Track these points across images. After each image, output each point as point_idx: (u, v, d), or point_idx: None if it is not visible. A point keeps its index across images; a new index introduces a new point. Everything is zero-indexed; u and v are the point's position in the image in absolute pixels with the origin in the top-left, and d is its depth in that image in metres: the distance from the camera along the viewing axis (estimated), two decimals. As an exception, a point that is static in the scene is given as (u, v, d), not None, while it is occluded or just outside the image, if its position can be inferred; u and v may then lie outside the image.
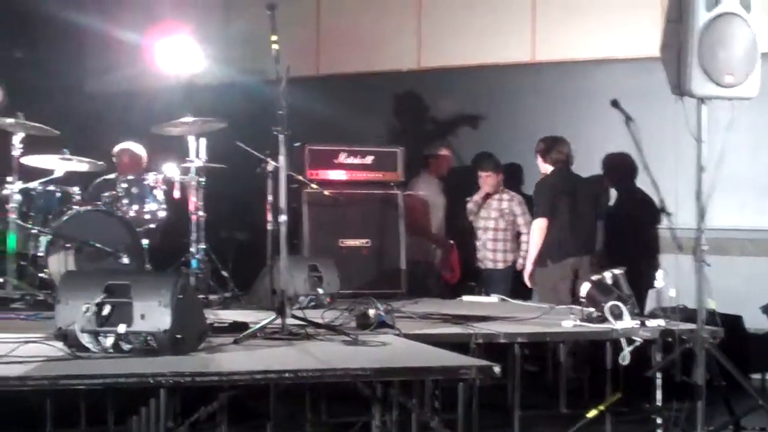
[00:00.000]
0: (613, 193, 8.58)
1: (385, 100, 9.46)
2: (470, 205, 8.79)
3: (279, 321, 5.44)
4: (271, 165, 7.21)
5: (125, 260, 7.22)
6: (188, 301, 4.89)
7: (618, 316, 6.01)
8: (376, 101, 9.40)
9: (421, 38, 9.43)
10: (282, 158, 5.70)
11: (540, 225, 7.87)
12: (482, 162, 8.82)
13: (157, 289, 4.75)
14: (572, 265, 7.80)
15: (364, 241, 8.09)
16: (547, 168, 8.02)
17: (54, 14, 9.72)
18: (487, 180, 8.71)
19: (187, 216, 7.57)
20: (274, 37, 5.73)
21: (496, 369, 4.54)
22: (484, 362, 4.66)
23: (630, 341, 5.89)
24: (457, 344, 5.46)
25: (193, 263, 7.43)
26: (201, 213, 7.54)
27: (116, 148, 8.33)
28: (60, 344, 4.88)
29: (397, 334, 5.56)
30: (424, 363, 4.76)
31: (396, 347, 5.21)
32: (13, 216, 7.21)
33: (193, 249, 7.45)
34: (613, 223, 8.18)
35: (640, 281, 7.02)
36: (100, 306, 4.75)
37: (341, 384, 4.55)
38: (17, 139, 7.28)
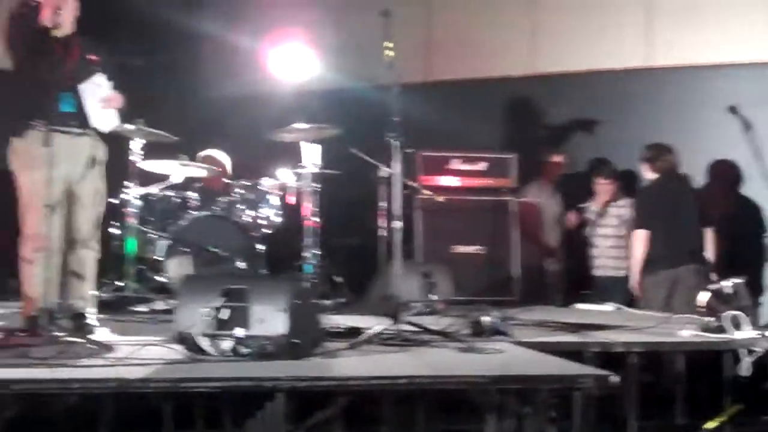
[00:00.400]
0: (724, 201, 8.39)
1: (498, 106, 9.42)
2: (589, 213, 8.68)
3: (393, 327, 5.46)
4: (384, 171, 7.26)
5: (241, 265, 7.33)
6: (305, 306, 4.95)
7: (738, 325, 5.89)
8: (488, 107, 9.36)
9: (535, 43, 9.36)
10: (396, 164, 5.72)
11: (640, 236, 7.73)
12: (599, 169, 8.70)
13: (274, 294, 4.82)
14: (672, 275, 7.63)
15: (476, 247, 8.07)
16: (652, 176, 7.88)
17: (171, 21, 9.92)
18: (605, 187, 8.59)
19: (301, 221, 7.64)
20: (387, 44, 5.77)
21: (614, 378, 4.48)
22: (601, 371, 4.60)
23: (750, 352, 5.75)
24: (572, 353, 5.40)
25: (307, 268, 7.50)
26: (315, 219, 7.61)
27: (200, 155, 8.44)
28: (179, 347, 4.98)
29: (512, 342, 5.53)
30: (540, 371, 4.73)
31: (510, 355, 5.19)
32: (132, 221, 7.39)
33: (307, 254, 7.52)
34: (723, 231, 7.99)
35: (752, 291, 6.86)
36: (218, 310, 4.84)
37: (455, 391, 4.55)
38: (137, 145, 7.46)
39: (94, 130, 5.95)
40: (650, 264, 7.67)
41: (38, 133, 5.53)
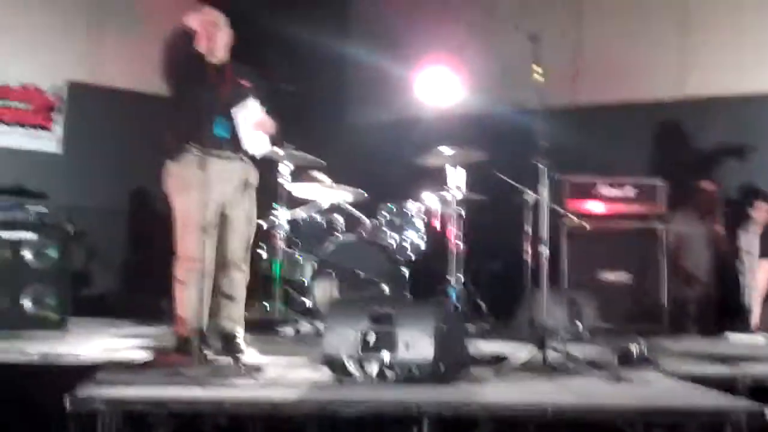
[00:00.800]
0: None
1: (647, 131, 9.26)
2: (743, 240, 8.45)
3: (539, 354, 5.43)
4: (529, 196, 7.24)
5: (386, 289, 7.39)
6: (451, 331, 4.97)
7: None
8: (637, 131, 9.22)
9: (685, 66, 9.19)
10: (544, 189, 5.70)
11: (764, 266, 7.52)
12: (757, 194, 8.46)
13: (421, 319, 4.86)
14: None
15: (624, 274, 7.95)
16: None
17: (319, 48, 10.10)
18: (763, 214, 8.36)
19: (446, 245, 7.66)
20: (536, 68, 5.75)
21: (769, 413, 4.37)
22: (755, 405, 4.48)
23: None
24: (722, 385, 5.26)
25: (452, 293, 7.51)
26: (459, 243, 7.62)
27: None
28: (326, 369, 5.06)
29: (660, 372, 5.44)
30: (690, 403, 4.63)
31: (659, 385, 5.10)
32: (280, 243, 7.54)
33: (451, 279, 7.54)
34: None
35: None
36: (365, 334, 4.90)
37: (602, 421, 4.48)
38: (285, 169, 7.62)
39: (246, 154, 6.10)
40: None
41: (193, 157, 5.72)
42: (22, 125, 9.00)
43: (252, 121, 5.98)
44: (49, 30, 9.16)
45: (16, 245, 7.20)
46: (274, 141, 6.44)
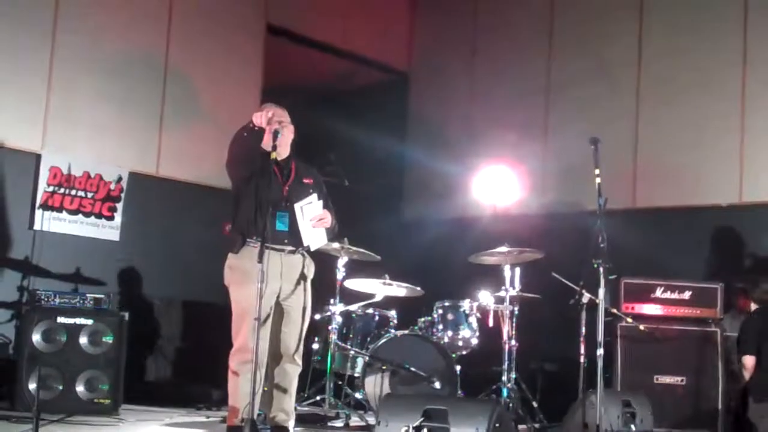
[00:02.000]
0: None
1: (704, 235, 9.22)
2: None
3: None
4: (585, 297, 7.21)
5: (438, 385, 7.37)
6: (504, 430, 4.94)
7: None
8: (694, 235, 9.18)
9: (743, 172, 9.17)
10: (602, 291, 5.69)
11: (745, 363, 7.43)
12: None
13: (474, 416, 4.85)
14: None
15: (679, 378, 7.85)
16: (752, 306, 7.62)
17: (376, 145, 10.26)
18: None
19: (499, 344, 7.64)
20: (596, 171, 5.80)
21: None
22: None
23: None
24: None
25: (504, 392, 7.47)
26: (513, 342, 7.60)
27: None
28: (378, 464, 5.05)
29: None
30: None
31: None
32: (333, 337, 7.57)
33: (504, 377, 7.50)
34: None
35: None
36: (418, 430, 4.89)
37: None
38: (341, 263, 7.68)
39: (304, 247, 6.19)
40: (755, 391, 7.34)
41: (253, 250, 5.80)
42: (84, 213, 9.17)
43: (311, 216, 6.09)
44: (115, 122, 9.37)
45: (73, 330, 7.32)
46: (332, 236, 6.53)
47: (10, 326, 8.01)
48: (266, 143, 5.97)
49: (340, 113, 10.09)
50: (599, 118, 9.32)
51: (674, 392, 7.79)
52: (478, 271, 7.98)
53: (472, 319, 7.86)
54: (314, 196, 6.16)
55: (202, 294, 9.48)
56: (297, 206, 6.07)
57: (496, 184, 8.78)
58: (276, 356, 6.20)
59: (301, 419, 7.04)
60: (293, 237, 6.13)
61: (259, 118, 6.02)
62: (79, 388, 7.25)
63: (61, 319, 7.32)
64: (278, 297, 6.12)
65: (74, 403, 7.15)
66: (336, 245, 7.54)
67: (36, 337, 7.22)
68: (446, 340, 7.78)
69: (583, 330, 7.23)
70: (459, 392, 7.53)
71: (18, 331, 7.30)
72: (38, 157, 8.87)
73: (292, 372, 6.26)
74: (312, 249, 6.18)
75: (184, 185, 9.82)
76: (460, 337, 7.82)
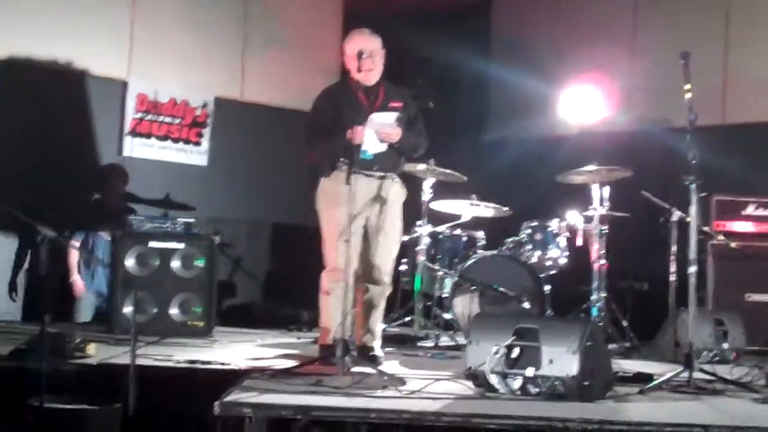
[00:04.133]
0: None
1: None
2: None
3: (685, 374, 5.35)
4: (675, 215, 7.13)
5: (527, 305, 7.38)
6: (596, 349, 4.94)
7: None
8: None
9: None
10: (693, 208, 5.61)
11: None
12: None
13: (566, 335, 4.85)
14: None
15: (771, 295, 7.75)
16: None
17: (460, 67, 10.17)
18: None
19: (588, 264, 7.60)
20: (687, 86, 5.68)
21: None
22: None
23: None
24: None
25: (593, 311, 7.44)
26: (602, 261, 7.54)
27: None
28: (469, 383, 5.09)
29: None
30: None
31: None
32: (421, 258, 7.60)
33: (593, 297, 7.47)
34: None
35: None
36: (509, 348, 4.92)
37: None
38: (427, 184, 7.68)
39: (393, 172, 6.23)
40: None
41: (342, 173, 5.85)
42: (173, 139, 9.29)
43: (382, 129, 6.07)
44: (198, 48, 9.43)
45: (165, 255, 7.45)
46: (414, 154, 6.53)
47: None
48: (356, 72, 6.12)
49: (423, 35, 10.00)
50: (688, 35, 9.10)
51: (766, 310, 7.69)
52: (566, 190, 7.92)
53: (561, 239, 7.81)
54: (392, 114, 6.14)
55: (289, 216, 9.60)
56: (372, 116, 6.07)
57: (583, 102, 8.65)
58: (365, 277, 6.27)
59: (390, 339, 7.11)
60: (382, 162, 6.15)
61: (351, 46, 6.18)
62: (173, 311, 7.40)
63: (153, 244, 7.45)
64: (368, 219, 6.19)
65: (168, 326, 7.30)
66: (422, 166, 7.54)
67: (129, 262, 7.37)
68: (535, 260, 7.76)
69: (674, 248, 7.17)
70: (548, 312, 7.54)
71: (113, 256, 7.44)
72: (124, 84, 9.00)
73: (380, 293, 6.33)
74: (371, 152, 6.14)
75: (268, 109, 9.89)
76: (548, 257, 7.79)
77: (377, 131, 6.05)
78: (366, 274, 6.26)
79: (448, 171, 7.75)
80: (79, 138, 8.76)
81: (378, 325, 6.41)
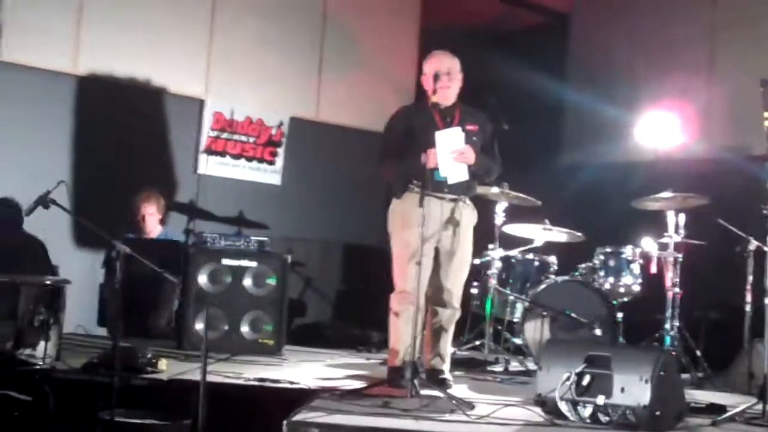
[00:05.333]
0: None
1: None
2: None
3: (759, 406, 5.27)
4: (752, 244, 7.03)
5: (599, 332, 7.31)
6: (669, 379, 4.89)
7: None
8: None
9: None
10: (770, 238, 5.54)
11: None
12: None
13: (638, 364, 4.80)
14: None
15: None
16: None
17: (535, 89, 10.14)
18: None
19: (662, 292, 7.51)
20: (766, 114, 5.60)
21: None
22: None
23: None
24: None
25: (666, 340, 7.35)
26: (676, 290, 7.45)
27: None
28: (538, 410, 5.06)
29: None
30: None
31: None
32: (492, 282, 7.58)
33: (667, 326, 7.38)
34: None
35: None
36: (580, 376, 4.88)
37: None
38: (500, 208, 7.67)
39: (466, 195, 6.23)
40: None
41: (414, 195, 5.88)
42: (247, 158, 9.39)
43: (451, 148, 6.06)
44: (275, 68, 9.53)
45: (238, 272, 7.52)
46: (488, 178, 6.53)
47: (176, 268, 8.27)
48: (433, 93, 6.12)
49: (498, 56, 10.00)
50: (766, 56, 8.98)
51: None
52: (640, 216, 7.84)
53: (635, 266, 7.74)
54: (458, 128, 6.13)
55: (361, 237, 9.64)
56: (437, 135, 6.05)
57: (659, 128, 8.56)
58: (435, 300, 6.28)
59: (460, 363, 7.11)
60: (455, 185, 6.15)
61: (429, 67, 6.23)
62: (244, 329, 7.46)
63: (225, 261, 7.52)
64: (439, 242, 6.19)
65: (239, 343, 7.36)
66: (496, 189, 7.54)
67: (202, 279, 7.45)
68: (607, 286, 7.69)
69: (750, 278, 7.06)
70: (620, 340, 7.47)
71: (185, 273, 7.53)
72: (201, 102, 9.13)
73: (450, 316, 6.33)
74: (450, 182, 6.14)
75: (343, 129, 9.95)
76: (621, 283, 7.72)
77: (452, 152, 6.05)
78: (436, 297, 6.26)
79: (521, 195, 7.74)
80: (156, 155, 8.91)
81: (447, 348, 6.40)
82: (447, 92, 6.22)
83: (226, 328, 7.42)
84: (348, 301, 9.79)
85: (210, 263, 7.48)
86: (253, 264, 7.57)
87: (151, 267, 5.75)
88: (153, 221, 8.30)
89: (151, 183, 8.46)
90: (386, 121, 6.44)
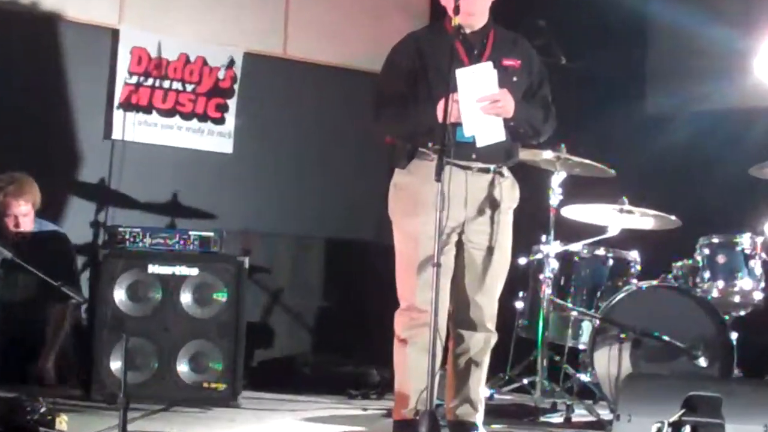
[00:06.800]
0: None
1: None
2: None
3: None
4: None
5: (703, 362, 7.30)
6: (805, 429, 4.88)
7: None
8: None
9: None
10: None
11: None
12: None
13: (759, 407, 4.79)
14: None
15: None
16: None
17: (606, 5, 10.11)
18: None
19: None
20: None
21: None
22: None
23: None
24: None
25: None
26: (817, 296, 7.46)
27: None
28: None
29: None
30: None
31: None
32: (546, 291, 7.56)
33: (802, 349, 7.41)
34: None
35: None
36: (677, 427, 4.87)
37: None
38: (556, 182, 7.63)
39: (503, 164, 6.18)
40: None
41: (428, 165, 5.85)
42: (183, 114, 9.39)
43: (481, 94, 5.99)
44: None
45: (172, 285, 7.57)
46: (536, 139, 6.47)
47: (82, 279, 8.25)
48: (454, 13, 5.95)
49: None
50: None
51: None
52: (764, 189, 7.84)
53: (755, 263, 7.73)
54: (488, 64, 6.06)
55: (351, 229, 9.65)
56: (458, 73, 5.93)
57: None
58: (460, 321, 6.24)
59: (499, 412, 7.11)
60: (486, 149, 6.08)
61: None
62: (182, 368, 7.47)
63: (153, 269, 7.52)
64: (462, 233, 6.13)
65: (174, 389, 7.39)
66: (549, 154, 7.53)
67: (119, 295, 7.44)
68: (716, 294, 7.69)
69: None
70: (735, 371, 7.47)
71: (93, 287, 7.51)
72: (115, 33, 9.09)
73: (482, 342, 6.29)
74: (479, 144, 6.09)
75: (322, 69, 9.94)
76: (736, 289, 7.72)
77: (477, 100, 5.98)
78: (461, 315, 6.22)
79: (587, 161, 7.72)
80: (46, 113, 8.84)
81: (480, 390, 6.37)
82: (473, 5, 6.08)
83: (156, 366, 7.42)
84: (334, 323, 9.81)
85: (130, 272, 7.49)
86: (194, 272, 7.56)
87: (43, 278, 5.74)
88: (27, 223, 8.15)
89: (29, 161, 8.36)
90: (385, 55, 6.40)
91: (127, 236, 7.67)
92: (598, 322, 7.55)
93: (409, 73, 6.14)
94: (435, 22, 6.55)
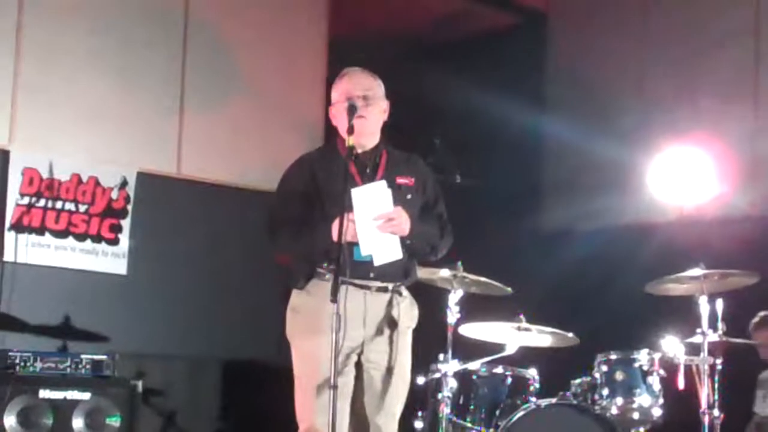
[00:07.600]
0: None
1: None
2: None
3: None
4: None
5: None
6: None
7: None
8: None
9: None
10: None
11: None
12: None
13: None
14: None
15: None
16: None
17: (500, 122, 10.21)
18: None
19: (695, 416, 7.56)
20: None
21: None
22: None
23: None
24: None
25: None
26: (716, 412, 7.50)
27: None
28: None
29: None
30: None
31: None
32: (445, 410, 7.54)
33: (704, 469, 7.43)
34: None
35: None
36: None
37: None
38: (453, 300, 7.64)
39: (401, 283, 6.18)
40: None
41: (324, 284, 5.84)
42: (77, 236, 9.33)
43: (376, 213, 5.98)
44: (113, 101, 9.53)
45: (63, 410, 7.59)
46: (433, 256, 6.48)
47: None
48: (345, 133, 5.96)
49: (443, 76, 10.08)
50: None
51: None
52: (660, 306, 7.93)
53: (653, 379, 7.78)
54: (382, 182, 6.06)
55: (250, 350, 9.58)
56: (353, 192, 5.91)
57: (684, 175, 8.68)
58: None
59: None
60: (383, 268, 6.07)
61: (337, 92, 6.10)
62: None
63: (44, 393, 7.43)
64: (361, 354, 6.10)
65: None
66: (446, 273, 7.53)
67: (9, 421, 7.35)
68: (615, 411, 7.72)
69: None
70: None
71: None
72: (5, 154, 9.04)
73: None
74: (375, 263, 6.09)
75: (216, 190, 9.93)
76: (635, 406, 7.75)
77: (374, 219, 5.97)
78: (359, 435, 6.20)
79: (483, 279, 7.74)
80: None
81: None
82: (364, 126, 6.08)
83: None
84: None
85: (20, 397, 7.41)
86: (86, 396, 7.48)
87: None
88: None
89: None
90: (279, 174, 6.40)
91: (17, 360, 7.59)
92: (499, 442, 7.56)
93: (302, 195, 6.12)
94: (327, 144, 6.60)
